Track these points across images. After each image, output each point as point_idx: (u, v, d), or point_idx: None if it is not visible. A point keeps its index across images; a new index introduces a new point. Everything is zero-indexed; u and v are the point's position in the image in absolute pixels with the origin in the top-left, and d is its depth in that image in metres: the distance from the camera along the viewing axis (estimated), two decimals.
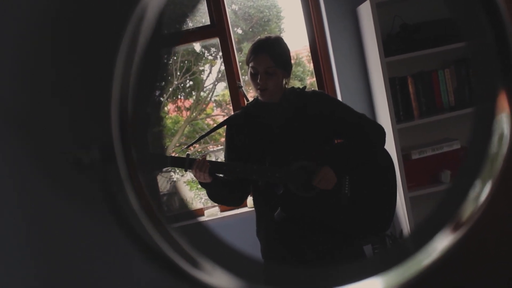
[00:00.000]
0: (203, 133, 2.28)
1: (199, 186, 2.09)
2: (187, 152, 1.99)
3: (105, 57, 0.55)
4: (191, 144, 2.43)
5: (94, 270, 0.75)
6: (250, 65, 1.99)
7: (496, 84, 0.58)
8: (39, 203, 0.74)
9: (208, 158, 1.98)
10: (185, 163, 1.96)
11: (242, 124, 2.08)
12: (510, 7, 0.58)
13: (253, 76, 2.00)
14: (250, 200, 3.14)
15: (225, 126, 2.13)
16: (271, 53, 1.98)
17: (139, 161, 0.56)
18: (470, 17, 0.61)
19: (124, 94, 0.55)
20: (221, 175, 2.04)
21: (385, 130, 2.10)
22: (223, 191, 2.07)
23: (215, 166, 1.97)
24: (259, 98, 2.06)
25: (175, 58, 6.14)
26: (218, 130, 2.42)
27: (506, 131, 0.60)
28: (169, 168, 2.00)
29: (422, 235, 0.75)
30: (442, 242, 0.63)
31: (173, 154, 6.20)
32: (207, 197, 3.23)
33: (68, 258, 0.75)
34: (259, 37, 2.06)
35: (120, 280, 0.74)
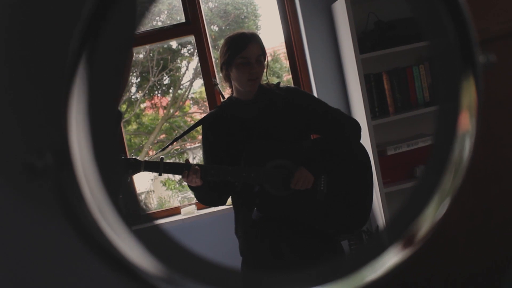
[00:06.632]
0: (179, 134, 2.27)
1: (177, 185, 2.08)
2: (161, 156, 1.97)
3: (62, 55, 0.53)
4: (166, 147, 2.42)
5: (51, 275, 0.74)
6: (240, 55, 1.97)
7: (458, 84, 0.58)
8: None
9: (186, 157, 1.97)
10: (159, 167, 1.94)
11: (217, 123, 2.07)
12: (472, 5, 0.58)
13: (244, 67, 1.98)
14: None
15: (201, 126, 2.12)
16: (260, 42, 2.01)
17: (104, 165, 0.54)
18: (431, 16, 0.61)
19: (85, 94, 0.54)
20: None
21: (361, 126, 2.10)
22: (210, 192, 2.05)
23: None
24: (246, 89, 2.03)
25: (151, 55, 6.10)
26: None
27: (471, 130, 0.60)
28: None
29: (395, 230, 0.74)
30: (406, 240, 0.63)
31: (150, 152, 6.16)
32: (183, 196, 3.22)
33: (24, 264, 0.73)
34: (235, 32, 2.04)
35: (79, 285, 0.73)
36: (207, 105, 3.20)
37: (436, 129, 0.66)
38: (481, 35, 0.61)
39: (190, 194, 3.11)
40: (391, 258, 0.61)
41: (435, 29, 0.62)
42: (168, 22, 6.02)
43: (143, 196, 5.72)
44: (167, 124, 6.33)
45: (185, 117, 6.45)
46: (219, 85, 2.80)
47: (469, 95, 0.59)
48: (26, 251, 0.73)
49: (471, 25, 0.58)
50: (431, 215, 0.62)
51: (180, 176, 1.99)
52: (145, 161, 1.94)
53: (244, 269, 2.09)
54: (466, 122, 0.60)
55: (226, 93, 2.29)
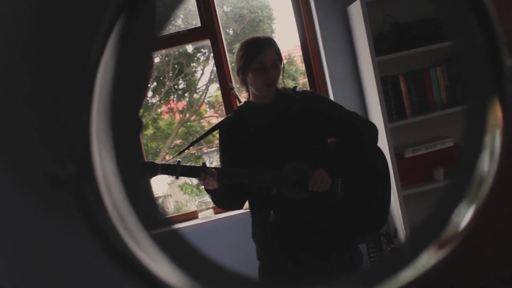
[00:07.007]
0: (195, 138, 2.27)
1: (195, 189, 2.09)
2: (178, 159, 1.97)
3: (83, 63, 0.53)
4: (183, 151, 2.43)
5: (73, 285, 0.74)
6: (255, 60, 1.97)
7: (486, 84, 0.56)
8: (16, 218, 0.72)
9: (202, 161, 1.98)
10: (176, 170, 1.94)
11: (234, 128, 2.07)
12: (497, 5, 0.57)
13: (259, 72, 1.98)
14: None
15: (218, 130, 2.12)
16: (275, 47, 2.01)
17: (122, 170, 0.54)
18: (457, 16, 0.60)
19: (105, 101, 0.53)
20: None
21: (378, 129, 2.09)
22: (227, 196, 2.05)
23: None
24: (262, 94, 2.03)
25: (167, 59, 6.13)
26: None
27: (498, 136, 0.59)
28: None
29: (418, 241, 0.73)
30: (436, 249, 0.62)
31: (166, 157, 6.18)
32: (200, 200, 3.23)
33: (46, 273, 0.73)
34: (250, 36, 2.05)
35: None
36: (223, 109, 3.20)
37: (463, 135, 0.64)
38: (507, 37, 0.59)
39: (207, 198, 3.11)
40: (420, 265, 0.60)
41: (460, 31, 0.61)
42: (184, 26, 6.04)
43: (160, 200, 5.74)
44: (184, 129, 6.35)
45: (202, 121, 6.47)
46: (235, 89, 2.80)
47: (496, 99, 0.58)
48: (45, 259, 0.73)
49: (497, 27, 0.56)
50: (458, 223, 0.60)
51: (197, 180, 2.00)
52: (163, 164, 1.95)
53: (262, 274, 2.09)
54: (494, 127, 0.58)
55: (243, 96, 2.29)
